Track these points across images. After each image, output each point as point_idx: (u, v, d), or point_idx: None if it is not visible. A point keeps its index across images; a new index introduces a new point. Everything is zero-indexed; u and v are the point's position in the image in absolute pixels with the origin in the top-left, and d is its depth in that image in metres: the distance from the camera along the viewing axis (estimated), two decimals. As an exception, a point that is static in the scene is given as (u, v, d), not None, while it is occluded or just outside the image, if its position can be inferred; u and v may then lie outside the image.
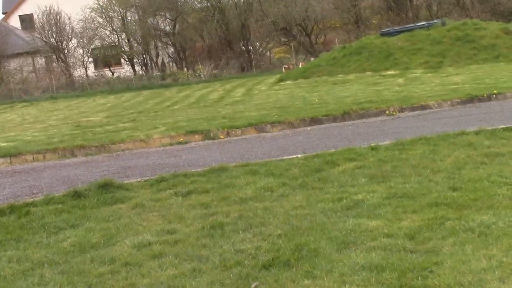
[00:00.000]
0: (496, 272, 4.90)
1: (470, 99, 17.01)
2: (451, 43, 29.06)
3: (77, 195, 8.92)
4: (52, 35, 46.71)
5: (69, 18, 46.14)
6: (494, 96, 17.13)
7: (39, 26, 47.48)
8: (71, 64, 47.02)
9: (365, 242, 5.92)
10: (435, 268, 5.12)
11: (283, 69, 28.18)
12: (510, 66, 25.01)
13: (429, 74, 25.15)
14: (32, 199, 9.19)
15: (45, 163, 13.82)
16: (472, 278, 4.84)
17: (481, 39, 28.90)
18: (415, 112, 16.20)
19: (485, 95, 17.21)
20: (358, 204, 7.19)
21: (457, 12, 45.08)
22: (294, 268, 5.44)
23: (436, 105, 16.71)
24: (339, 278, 5.13)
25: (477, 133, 10.86)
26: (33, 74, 46.79)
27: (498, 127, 11.35)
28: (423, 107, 16.63)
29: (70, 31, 46.86)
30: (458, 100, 17.00)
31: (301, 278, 5.22)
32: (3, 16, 57.54)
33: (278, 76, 32.85)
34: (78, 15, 45.75)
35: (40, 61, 47.67)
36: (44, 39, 46.60)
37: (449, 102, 16.89)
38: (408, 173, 8.51)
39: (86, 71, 46.77)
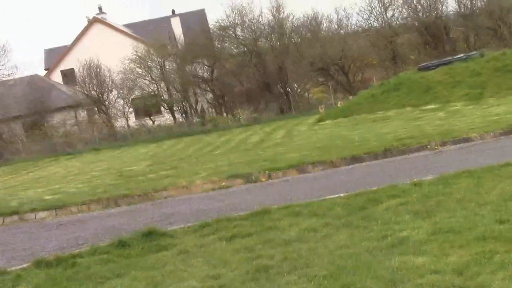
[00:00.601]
0: (548, 305, 4.78)
1: (513, 129, 16.76)
2: (490, 74, 28.79)
3: (121, 244, 8.97)
4: (93, 87, 47.48)
5: (108, 70, 46.91)
6: (538, 125, 16.86)
7: (80, 80, 48.33)
8: (112, 115, 47.64)
9: (412, 279, 5.83)
10: (485, 303, 5.01)
11: (319, 109, 28.35)
12: (552, 94, 24.67)
13: (469, 107, 24.90)
14: (78, 250, 9.27)
15: (90, 214, 13.96)
16: (524, 313, 4.73)
17: (521, 68, 28.59)
18: (458, 146, 16.01)
19: (528, 125, 16.95)
20: (403, 241, 7.09)
21: (495, 43, 44.71)
22: (342, 309, 5.37)
23: (478, 137, 16.50)
24: (388, 318, 5.05)
25: (522, 163, 10.69)
26: (76, 126, 47.49)
27: (543, 156, 11.17)
28: (466, 140, 16.43)
29: (110, 83, 47.59)
30: (501, 131, 16.76)
31: (349, 319, 5.15)
32: (45, 72, 58.72)
33: (317, 116, 32.85)
34: (117, 66, 46.50)
35: (82, 114, 48.39)
36: (86, 92, 47.38)
37: (491, 134, 16.67)
38: (453, 207, 8.39)
39: (127, 121, 47.34)
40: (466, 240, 6.74)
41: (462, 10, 47.57)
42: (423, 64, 34.63)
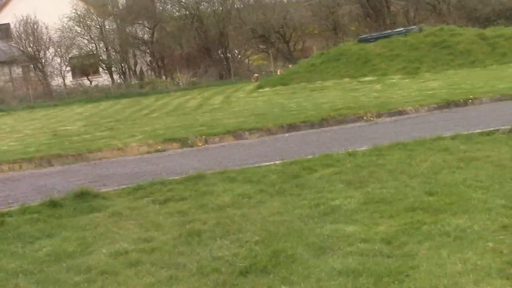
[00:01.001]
0: (471, 275, 4.93)
1: (447, 104, 17.13)
2: (428, 49, 29.28)
3: (53, 204, 8.86)
4: (29, 44, 46.42)
5: (46, 28, 45.86)
6: (470, 101, 17.28)
7: (16, 35, 47.16)
8: (48, 73, 46.74)
9: (342, 247, 5.92)
10: (411, 272, 5.13)
11: (252, 79, 28.27)
12: (485, 71, 25.24)
13: (406, 80, 25.31)
14: (7, 209, 9.11)
15: (21, 173, 13.73)
16: (448, 282, 4.87)
17: (457, 44, 29.15)
18: (393, 118, 16.29)
19: (461, 100, 17.35)
20: (335, 210, 7.19)
21: (433, 18, 45.39)
22: (271, 275, 5.42)
23: (413, 111, 16.81)
24: (316, 284, 5.13)
25: (453, 138, 10.94)
26: (10, 83, 46.44)
27: (473, 131, 11.45)
28: (400, 113, 16.71)
29: (48, 40, 46.59)
30: (435, 106, 17.12)
31: (278, 284, 5.21)
32: (-21, 26, 57.15)
33: (256, 83, 32.89)
34: (55, 24, 45.48)
35: (17, 71, 47.35)
36: (21, 49, 46.30)
37: (426, 108, 17.00)
38: (385, 178, 8.54)
39: (64, 80, 46.52)
40: (396, 210, 6.87)
41: (404, -16, 48.04)
42: (363, 36, 34.97)
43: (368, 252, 5.69)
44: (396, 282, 4.97)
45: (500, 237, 5.71)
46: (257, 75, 28.81)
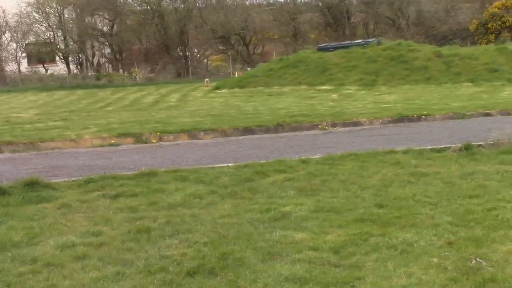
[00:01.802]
0: (415, 289, 4.97)
1: (401, 119, 17.36)
2: (385, 62, 29.64)
3: (1, 192, 8.72)
4: (-16, 27, 45.72)
5: (3, 11, 45.18)
6: (423, 117, 17.55)
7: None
8: (3, 58, 46.03)
9: (290, 254, 5.95)
10: (357, 283, 5.18)
11: (205, 82, 28.09)
12: (440, 88, 25.67)
13: (362, 92, 25.58)
14: (-47, 194, 8.94)
15: (-30, 158, 13.50)
16: (393, 294, 4.90)
17: (414, 60, 29.58)
18: (347, 128, 16.43)
19: (415, 115, 17.62)
20: (286, 216, 7.23)
21: (392, 33, 46.03)
22: (219, 277, 5.43)
23: (367, 122, 17.00)
24: (263, 289, 5.14)
25: (405, 152, 11.07)
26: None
27: (425, 147, 11.61)
28: (355, 124, 16.88)
29: (4, 24, 45.88)
30: (389, 119, 17.33)
31: (225, 286, 5.22)
32: None
33: (214, 84, 32.88)
34: (13, 8, 44.83)
35: (-29, 53, 46.56)
36: (-24, 31, 45.57)
37: (380, 120, 17.21)
38: (336, 187, 8.62)
39: (19, 66, 45.85)
40: (346, 220, 6.94)
41: (366, -4, 48.60)
42: (323, 44, 35.25)
43: (316, 260, 5.73)
44: (342, 291, 5.01)
45: (446, 253, 5.79)
46: (208, 79, 28.62)
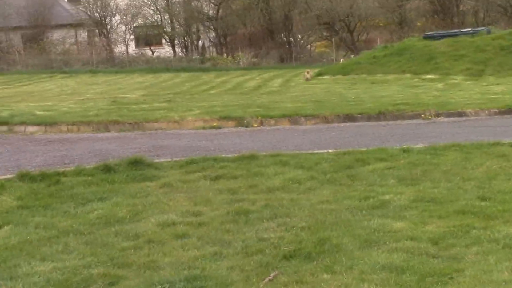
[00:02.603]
0: (517, 285, 4.85)
1: (509, 110, 16.79)
2: (495, 52, 28.71)
3: (107, 169, 9.03)
4: (96, 9, 47.02)
5: (113, -6, 46.43)
6: (534, 109, 16.92)
7: (84, -1, 47.86)
8: (112, 40, 47.32)
9: (388, 242, 5.91)
10: (455, 275, 5.09)
11: (305, 73, 27.95)
12: (553, 80, 24.65)
13: (469, 82, 24.91)
14: (63, 169, 9.33)
15: (79, 135, 14.02)
16: (493, 289, 4.79)
17: (525, 50, 28.52)
18: (451, 118, 16.08)
19: (524, 107, 17.01)
20: (385, 205, 7.17)
21: (504, 21, 44.49)
22: (315, 262, 5.45)
23: (473, 113, 16.57)
24: (359, 276, 5.13)
25: (512, 145, 10.76)
26: (75, 46, 47.19)
27: (534, 141, 11.24)
28: (460, 114, 16.49)
29: (115, 7, 47.10)
30: (497, 110, 16.82)
31: (321, 272, 5.23)
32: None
33: (317, 69, 32.78)
34: (123, -9, 46.01)
35: (83, 34, 48.03)
36: (88, 13, 46.94)
37: (486, 112, 16.73)
38: (438, 178, 8.47)
39: (127, 48, 47.03)
40: (446, 211, 6.82)
41: (476, -16, 47.16)
42: (429, 33, 34.46)
43: (414, 250, 5.66)
44: (439, 283, 4.93)
45: (550, 250, 5.61)
46: (309, 70, 28.42)
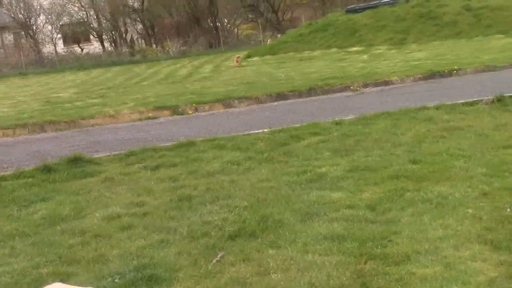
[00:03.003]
0: (451, 241, 5.08)
1: (432, 75, 17.30)
2: (414, 19, 29.34)
3: (47, 169, 9.01)
4: (20, 11, 46.13)
5: (37, -6, 45.62)
6: (455, 71, 17.47)
7: (6, 1, 46.81)
8: (40, 41, 46.54)
9: (327, 213, 6.07)
10: (394, 237, 5.27)
11: (235, 59, 27.98)
12: (470, 42, 25.37)
13: (392, 51, 25.45)
14: (2, 173, 9.26)
15: (15, 139, 13.86)
16: (429, 246, 5.01)
17: (443, 16, 29.21)
18: (379, 88, 16.45)
19: (446, 71, 17.54)
20: (322, 177, 7.36)
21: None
22: (259, 239, 5.57)
23: (399, 81, 17.00)
24: (302, 248, 5.27)
25: (437, 108, 11.13)
26: (2, 50, 46.24)
27: (457, 102, 11.65)
28: (386, 83, 16.89)
29: (38, 7, 46.29)
30: (420, 76, 17.29)
31: (266, 247, 5.35)
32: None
33: (245, 52, 32.92)
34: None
35: (9, 37, 47.08)
36: (12, 15, 46.01)
37: (411, 78, 17.18)
38: (370, 146, 8.73)
39: (55, 47, 46.34)
40: (381, 178, 7.05)
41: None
42: (351, 6, 34.98)
43: (353, 218, 5.84)
44: (379, 246, 5.11)
45: (480, 204, 5.86)
46: (239, 56, 28.48)
